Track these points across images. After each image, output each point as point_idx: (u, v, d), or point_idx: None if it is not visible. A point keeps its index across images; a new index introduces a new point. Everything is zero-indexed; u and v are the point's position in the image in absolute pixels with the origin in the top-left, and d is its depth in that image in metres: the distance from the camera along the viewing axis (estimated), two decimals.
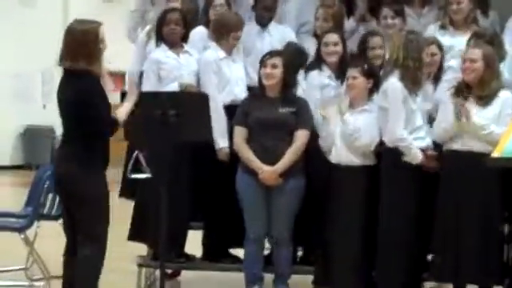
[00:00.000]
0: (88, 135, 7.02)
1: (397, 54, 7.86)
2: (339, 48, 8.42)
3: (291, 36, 9.02)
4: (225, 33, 8.60)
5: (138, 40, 9.27)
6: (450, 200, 7.70)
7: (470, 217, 7.60)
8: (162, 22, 8.72)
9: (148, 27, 9.13)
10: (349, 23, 9.01)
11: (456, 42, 8.42)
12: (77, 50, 6.95)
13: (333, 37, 8.48)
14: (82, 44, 6.96)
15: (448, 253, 7.74)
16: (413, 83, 7.78)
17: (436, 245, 7.89)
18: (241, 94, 8.47)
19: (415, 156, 7.72)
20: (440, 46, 8.14)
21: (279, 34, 9.03)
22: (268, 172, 7.93)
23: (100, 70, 7.17)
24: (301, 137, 8.01)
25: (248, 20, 9.13)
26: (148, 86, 8.62)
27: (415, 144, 7.75)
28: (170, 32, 8.65)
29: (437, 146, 7.87)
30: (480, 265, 7.60)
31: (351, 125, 7.93)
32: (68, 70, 7.03)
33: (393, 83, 7.77)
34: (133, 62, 9.23)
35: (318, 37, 8.75)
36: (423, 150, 7.77)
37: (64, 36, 7.08)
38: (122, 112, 7.24)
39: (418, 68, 7.82)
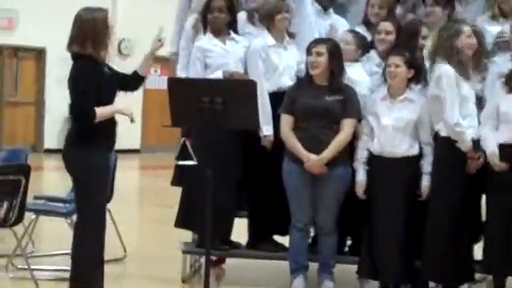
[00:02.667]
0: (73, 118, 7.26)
1: (433, 43, 7.95)
2: (392, 37, 8.41)
3: (343, 23, 9.04)
4: (269, 18, 8.58)
5: (185, 31, 9.21)
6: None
7: None
8: (206, 10, 8.73)
9: (193, 16, 9.08)
10: (397, 11, 8.97)
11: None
12: (85, 37, 7.11)
13: (386, 25, 8.49)
14: (90, 31, 7.13)
15: (497, 245, 7.77)
16: (459, 70, 7.77)
17: (486, 236, 7.97)
18: (287, 82, 8.46)
19: (466, 143, 7.70)
20: (476, 32, 7.99)
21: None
22: (314, 160, 7.95)
23: (105, 56, 7.35)
24: (347, 125, 8.03)
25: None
26: (194, 74, 8.64)
27: (468, 132, 7.74)
28: (215, 19, 8.66)
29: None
30: None
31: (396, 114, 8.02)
32: (75, 54, 7.19)
33: (446, 69, 7.72)
34: (181, 55, 9.18)
35: (369, 24, 8.77)
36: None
37: (73, 23, 7.24)
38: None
39: (455, 55, 7.82)
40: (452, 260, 7.78)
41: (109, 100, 7.27)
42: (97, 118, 7.04)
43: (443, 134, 7.80)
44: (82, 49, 7.10)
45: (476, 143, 7.80)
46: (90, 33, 7.12)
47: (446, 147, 7.85)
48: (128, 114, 7.32)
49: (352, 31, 8.64)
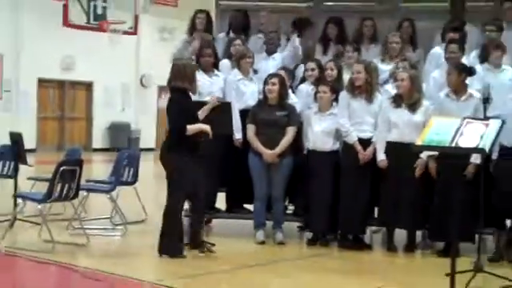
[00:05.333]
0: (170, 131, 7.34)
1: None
2: (315, 72, 8.43)
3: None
4: (238, 60, 8.59)
5: None
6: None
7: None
8: (199, 56, 8.71)
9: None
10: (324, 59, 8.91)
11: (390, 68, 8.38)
12: (183, 76, 7.19)
13: (312, 65, 8.50)
14: (185, 72, 7.22)
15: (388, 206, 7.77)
16: (349, 93, 7.89)
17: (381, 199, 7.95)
18: (252, 102, 8.37)
19: (350, 139, 7.80)
20: (368, 68, 7.89)
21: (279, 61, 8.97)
22: (269, 154, 7.93)
23: (195, 89, 7.51)
24: (290, 131, 8.00)
25: (260, 50, 9.07)
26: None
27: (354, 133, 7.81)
28: (205, 62, 8.61)
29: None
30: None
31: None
32: (173, 87, 7.26)
33: (342, 93, 7.97)
34: None
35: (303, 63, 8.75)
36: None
37: (172, 67, 7.33)
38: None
39: (348, 83, 7.98)
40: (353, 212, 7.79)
41: (195, 119, 7.30)
42: (187, 132, 7.08)
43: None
44: (181, 84, 7.19)
45: (367, 141, 7.82)
46: (184, 74, 7.20)
47: (345, 142, 7.95)
48: (207, 130, 7.25)
49: (283, 68, 8.61)
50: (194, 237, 7.45)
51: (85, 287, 6.28)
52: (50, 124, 23.05)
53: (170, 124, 7.35)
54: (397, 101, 7.80)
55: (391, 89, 8.10)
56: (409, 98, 7.74)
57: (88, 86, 23.73)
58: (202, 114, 7.53)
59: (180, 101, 7.22)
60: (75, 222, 8.25)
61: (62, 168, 7.49)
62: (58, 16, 21.47)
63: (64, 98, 23.32)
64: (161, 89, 24.57)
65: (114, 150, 18.75)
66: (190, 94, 7.38)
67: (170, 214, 7.21)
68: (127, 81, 24.39)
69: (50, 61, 21.94)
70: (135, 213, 9.24)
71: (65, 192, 7.55)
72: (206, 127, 7.26)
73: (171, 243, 7.17)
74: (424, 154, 7.48)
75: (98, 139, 23.69)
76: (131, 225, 8.77)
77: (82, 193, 8.36)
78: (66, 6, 21.59)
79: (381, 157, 7.76)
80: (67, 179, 7.53)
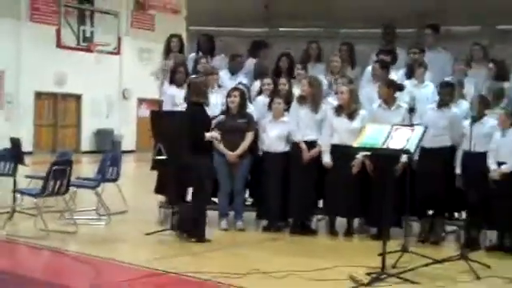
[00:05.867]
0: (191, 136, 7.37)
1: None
2: (270, 87, 8.44)
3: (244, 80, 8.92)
4: (207, 76, 8.46)
5: (160, 83, 9.18)
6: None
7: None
8: (174, 72, 8.72)
9: (163, 76, 9.06)
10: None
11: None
12: (199, 92, 7.35)
13: (267, 81, 8.51)
14: (201, 88, 7.41)
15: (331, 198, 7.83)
16: (299, 103, 7.93)
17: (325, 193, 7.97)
18: (217, 111, 8.26)
19: (294, 139, 7.84)
20: (312, 83, 7.95)
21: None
22: (232, 155, 7.94)
23: (208, 102, 7.65)
24: (249, 136, 8.03)
25: (223, 67, 9.04)
26: (166, 107, 8.60)
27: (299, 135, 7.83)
28: (179, 78, 8.64)
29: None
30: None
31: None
32: (192, 101, 7.40)
33: (293, 103, 8.01)
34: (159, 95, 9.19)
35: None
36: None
37: (189, 84, 7.58)
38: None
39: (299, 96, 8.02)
40: (301, 203, 7.82)
41: (208, 128, 7.43)
42: (205, 138, 7.24)
43: None
44: (200, 99, 7.34)
45: (311, 143, 7.84)
46: (200, 90, 7.37)
47: (293, 144, 7.97)
48: (218, 137, 7.48)
49: (240, 83, 8.64)
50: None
51: (75, 269, 6.21)
52: (45, 130, 22.75)
53: (191, 131, 7.34)
54: (338, 110, 7.84)
55: (332, 100, 8.15)
56: (348, 108, 7.78)
57: (77, 98, 23.44)
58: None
59: (200, 114, 7.35)
60: (66, 213, 8.19)
61: (54, 167, 7.46)
62: (53, 38, 21.32)
63: (57, 108, 23.01)
64: (140, 100, 24.53)
65: (100, 152, 18.63)
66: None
67: (205, 204, 7.40)
68: (111, 93, 24.21)
69: (46, 76, 21.70)
70: (117, 205, 9.18)
71: (57, 188, 7.52)
72: (216, 135, 7.44)
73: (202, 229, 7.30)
74: (360, 154, 7.55)
75: (86, 143, 23.44)
76: (114, 215, 8.70)
77: (72, 188, 8.28)
78: (58, 31, 21.44)
79: (326, 159, 7.79)
80: (59, 177, 7.50)
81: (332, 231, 7.92)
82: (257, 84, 8.83)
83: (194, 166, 7.22)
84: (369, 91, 8.21)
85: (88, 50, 22.20)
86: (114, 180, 9.21)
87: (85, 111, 23.56)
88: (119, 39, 23.37)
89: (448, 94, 7.51)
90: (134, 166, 18.56)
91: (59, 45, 21.71)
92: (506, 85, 7.69)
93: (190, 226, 7.34)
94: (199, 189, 7.34)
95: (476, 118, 7.05)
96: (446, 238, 7.85)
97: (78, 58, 22.10)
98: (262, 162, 8.11)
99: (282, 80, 8.42)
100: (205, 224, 7.38)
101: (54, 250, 6.74)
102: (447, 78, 7.93)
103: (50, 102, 22.91)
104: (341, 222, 8.01)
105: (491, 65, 7.95)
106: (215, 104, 8.41)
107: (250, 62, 9.18)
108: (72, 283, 5.62)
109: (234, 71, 9.03)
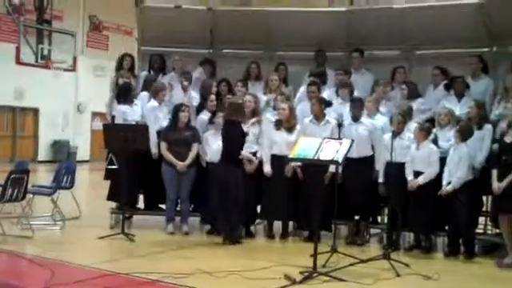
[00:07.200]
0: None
1: None
2: (214, 103, 8.39)
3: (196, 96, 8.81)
4: (156, 93, 8.46)
5: (109, 99, 9.01)
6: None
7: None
8: (126, 90, 8.55)
9: (112, 94, 8.85)
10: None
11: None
12: (237, 111, 7.42)
13: (212, 97, 8.45)
14: (239, 108, 7.47)
15: (268, 204, 7.83)
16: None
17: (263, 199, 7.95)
18: (165, 125, 8.25)
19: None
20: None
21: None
22: (182, 165, 7.88)
23: (245, 121, 7.64)
24: (195, 147, 8.01)
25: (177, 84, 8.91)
26: (119, 121, 8.43)
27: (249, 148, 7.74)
28: (129, 95, 8.50)
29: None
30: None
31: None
32: (231, 120, 7.43)
33: None
34: (108, 112, 9.04)
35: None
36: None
37: (228, 105, 7.59)
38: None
39: None
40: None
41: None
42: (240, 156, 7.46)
43: None
44: (238, 117, 7.42)
45: (253, 154, 7.80)
46: (238, 110, 7.46)
47: None
48: (252, 159, 7.69)
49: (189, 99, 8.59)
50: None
51: (30, 271, 6.06)
52: (4, 141, 22.23)
53: (232, 145, 7.42)
54: (278, 125, 7.88)
55: (270, 116, 8.18)
56: (287, 123, 7.83)
57: (35, 111, 22.96)
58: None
59: (238, 130, 7.42)
60: (23, 218, 7.99)
61: (12, 176, 7.31)
62: (12, 56, 20.87)
63: (16, 120, 22.54)
64: (94, 114, 24.15)
65: (56, 161, 18.29)
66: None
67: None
68: (67, 107, 23.83)
69: (5, 91, 21.21)
70: (72, 211, 9.00)
71: (15, 195, 7.35)
72: (250, 156, 7.67)
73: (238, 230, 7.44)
74: (294, 164, 7.59)
75: (43, 153, 22.99)
76: (68, 221, 8.54)
77: (29, 195, 8.11)
78: (18, 48, 20.98)
79: (267, 168, 7.80)
80: (16, 184, 7.34)
81: (269, 234, 7.93)
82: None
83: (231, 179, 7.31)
84: (302, 107, 8.27)
85: (46, 66, 21.75)
86: (69, 188, 9.02)
87: (42, 123, 23.11)
88: (75, 57, 23.01)
89: (357, 107, 7.65)
90: (88, 175, 18.27)
91: (18, 61, 21.22)
92: (414, 104, 7.84)
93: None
94: (236, 199, 7.32)
95: (395, 133, 7.21)
96: (370, 240, 7.97)
97: (35, 74, 21.60)
98: (206, 171, 8.06)
99: (226, 98, 8.38)
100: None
101: (11, 253, 6.55)
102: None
103: (9, 114, 22.41)
104: (277, 225, 8.02)
105: (404, 86, 8.16)
106: (164, 118, 8.37)
107: (199, 70, 9.16)
108: (28, 284, 5.48)
109: (184, 89, 8.91)
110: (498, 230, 7.19)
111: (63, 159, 19.32)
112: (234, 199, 7.32)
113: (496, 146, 6.92)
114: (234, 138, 7.40)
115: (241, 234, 7.55)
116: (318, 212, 6.65)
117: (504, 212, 6.66)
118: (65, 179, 8.97)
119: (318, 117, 7.79)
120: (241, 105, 7.61)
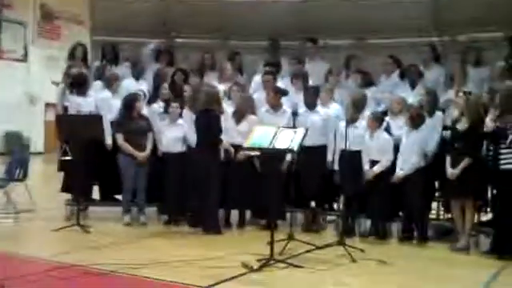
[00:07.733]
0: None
1: None
2: (167, 92, 8.37)
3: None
4: (110, 83, 8.39)
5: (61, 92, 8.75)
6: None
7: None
8: (81, 81, 8.41)
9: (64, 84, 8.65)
10: None
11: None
12: (212, 101, 7.38)
13: (165, 86, 8.39)
14: (216, 97, 7.43)
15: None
16: None
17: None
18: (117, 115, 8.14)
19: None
20: None
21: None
22: (143, 156, 7.82)
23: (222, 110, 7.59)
24: (150, 136, 7.96)
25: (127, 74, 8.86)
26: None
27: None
28: (83, 86, 8.35)
29: None
30: None
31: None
32: (208, 109, 7.37)
33: None
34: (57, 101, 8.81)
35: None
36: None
37: (204, 94, 7.46)
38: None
39: None
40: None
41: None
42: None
43: None
44: (215, 107, 7.38)
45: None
46: (214, 99, 7.39)
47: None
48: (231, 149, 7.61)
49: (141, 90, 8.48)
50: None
51: None
52: None
53: (209, 134, 7.33)
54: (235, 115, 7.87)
55: (227, 106, 8.10)
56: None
57: None
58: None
59: (216, 117, 7.38)
60: None
61: None
62: None
63: None
64: (47, 105, 23.66)
65: (9, 154, 17.88)
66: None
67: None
68: (19, 98, 23.29)
69: None
70: (25, 204, 8.81)
71: None
72: (229, 146, 7.61)
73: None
74: (251, 153, 7.55)
75: None
76: (22, 213, 8.36)
77: None
78: None
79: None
80: None
81: (226, 224, 7.92)
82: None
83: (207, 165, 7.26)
84: (258, 97, 8.26)
85: None
86: (22, 180, 8.82)
87: None
88: (26, 47, 22.48)
89: (312, 96, 7.69)
90: (42, 167, 17.92)
91: None
92: (368, 92, 7.91)
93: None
94: (212, 186, 7.27)
95: (349, 121, 7.26)
96: (326, 226, 8.02)
97: None
98: (161, 161, 8.00)
99: (186, 87, 8.33)
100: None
101: None
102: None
103: None
104: (234, 214, 8.02)
105: (357, 74, 8.23)
106: (116, 107, 8.24)
107: (154, 67, 9.08)
108: None
109: (137, 77, 8.87)
110: (449, 215, 7.34)
111: (15, 151, 18.90)
112: (213, 188, 7.31)
113: (448, 133, 7.04)
114: (211, 126, 7.32)
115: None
116: (274, 200, 6.66)
117: (456, 197, 6.79)
118: (17, 171, 8.78)
119: (275, 106, 7.79)
120: (217, 93, 7.53)
